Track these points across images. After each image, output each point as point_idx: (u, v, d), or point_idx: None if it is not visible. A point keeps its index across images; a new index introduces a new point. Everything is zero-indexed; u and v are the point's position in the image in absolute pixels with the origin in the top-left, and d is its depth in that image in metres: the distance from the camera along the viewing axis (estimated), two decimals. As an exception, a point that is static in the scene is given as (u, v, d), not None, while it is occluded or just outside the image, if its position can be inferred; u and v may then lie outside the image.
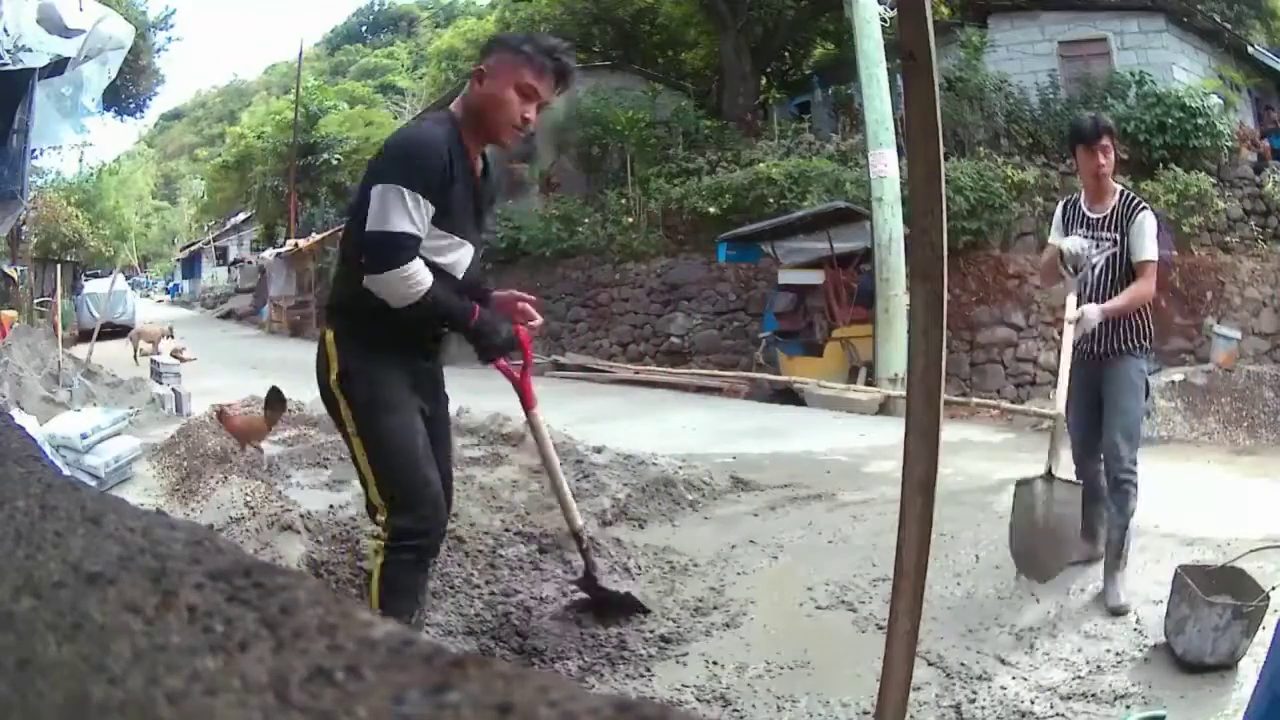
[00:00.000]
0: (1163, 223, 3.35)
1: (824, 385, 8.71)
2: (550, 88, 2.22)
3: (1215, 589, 2.65)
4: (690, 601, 3.06)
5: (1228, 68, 13.21)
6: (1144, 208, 3.27)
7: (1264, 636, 2.34)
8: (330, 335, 2.21)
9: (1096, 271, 3.26)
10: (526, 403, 2.66)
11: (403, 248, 2.07)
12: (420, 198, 2.08)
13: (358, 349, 2.21)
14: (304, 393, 7.38)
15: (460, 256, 2.26)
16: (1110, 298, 3.21)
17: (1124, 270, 3.24)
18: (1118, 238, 3.24)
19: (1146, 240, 3.21)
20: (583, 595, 2.96)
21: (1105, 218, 3.27)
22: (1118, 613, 2.92)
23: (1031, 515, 3.06)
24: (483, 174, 2.32)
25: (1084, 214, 3.34)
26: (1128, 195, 3.32)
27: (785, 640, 2.75)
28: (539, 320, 2.53)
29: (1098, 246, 3.26)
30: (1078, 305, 3.29)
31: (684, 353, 12.28)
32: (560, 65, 2.22)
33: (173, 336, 13.28)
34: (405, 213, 2.06)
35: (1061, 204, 3.50)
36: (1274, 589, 2.71)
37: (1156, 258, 3.25)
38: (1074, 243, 3.32)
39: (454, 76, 21.27)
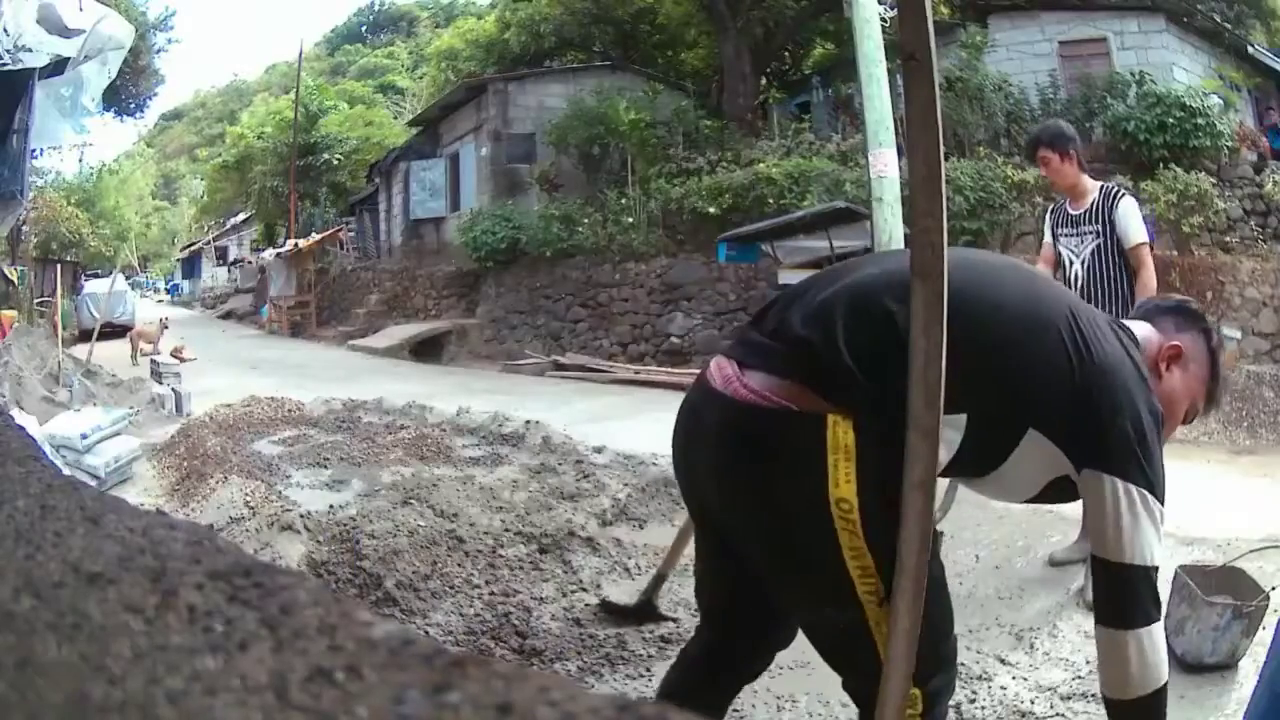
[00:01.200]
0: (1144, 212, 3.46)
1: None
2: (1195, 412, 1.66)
3: (1215, 589, 2.65)
4: (690, 601, 3.06)
5: (1228, 68, 13.21)
6: (1123, 193, 3.34)
7: (1264, 636, 2.34)
8: (847, 426, 1.31)
9: (1085, 268, 3.32)
10: None
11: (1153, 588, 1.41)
12: None
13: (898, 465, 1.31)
14: (304, 392, 7.40)
15: None
16: (1100, 293, 3.26)
17: (1111, 263, 3.30)
18: (1099, 229, 3.30)
19: (1133, 222, 3.26)
20: (609, 606, 2.93)
21: (1086, 212, 3.35)
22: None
23: None
24: None
25: (1067, 214, 3.44)
26: (1107, 188, 3.39)
27: (785, 640, 2.74)
28: None
29: (1082, 243, 3.34)
30: None
31: (684, 353, 12.28)
32: (1215, 396, 1.65)
33: (167, 327, 13.32)
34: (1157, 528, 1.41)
35: (1049, 209, 3.60)
36: (1274, 589, 2.71)
37: (1148, 239, 3.31)
38: None
39: (454, 76, 21.25)
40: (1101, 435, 1.35)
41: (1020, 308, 1.42)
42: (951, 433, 1.36)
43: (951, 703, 2.36)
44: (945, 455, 1.37)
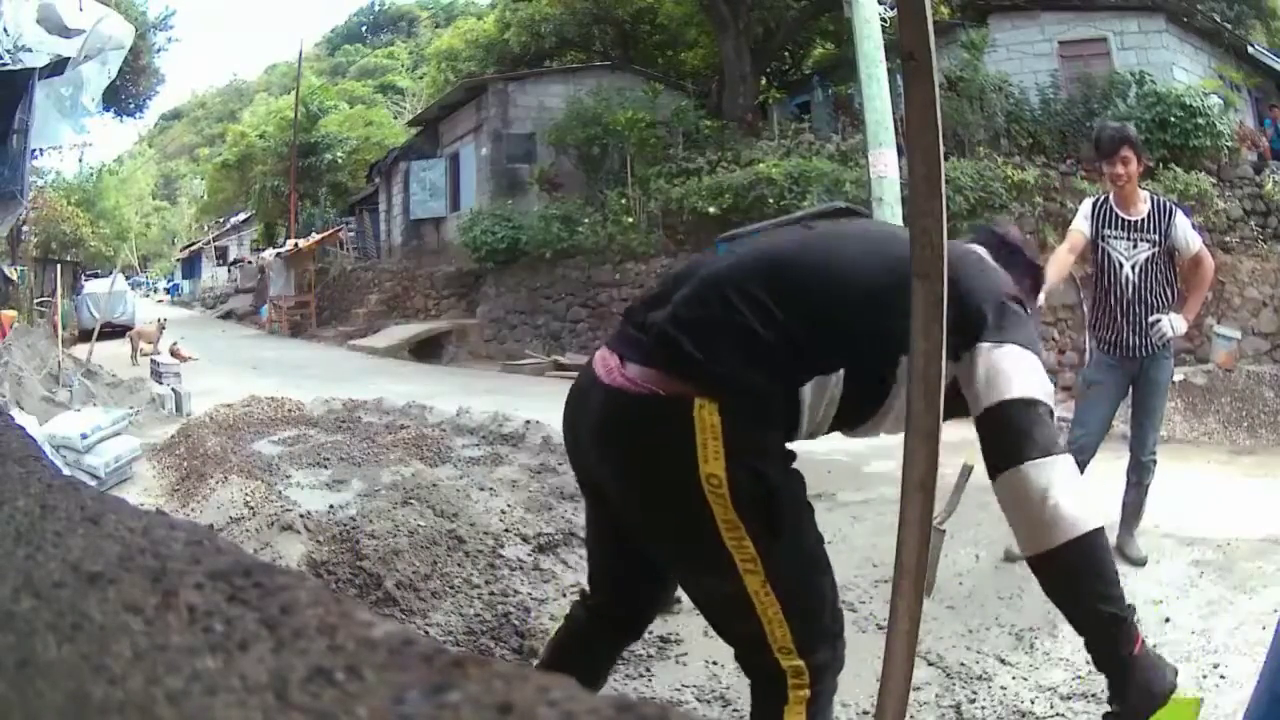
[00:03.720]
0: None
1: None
2: None
3: None
4: (690, 602, 3.06)
5: (1228, 68, 13.21)
6: (1174, 209, 3.59)
7: (1264, 636, 2.34)
8: (713, 408, 1.36)
9: (1137, 271, 3.52)
10: None
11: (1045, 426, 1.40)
12: None
13: (763, 440, 1.42)
14: (304, 392, 7.41)
15: None
16: (1152, 295, 3.52)
17: (1162, 268, 3.52)
18: (1155, 239, 3.51)
19: (1191, 234, 3.56)
20: None
21: (1143, 220, 3.53)
22: (1138, 563, 3.36)
23: None
24: None
25: (1119, 216, 3.58)
26: (1158, 199, 3.61)
27: (785, 640, 2.74)
28: None
29: (1136, 247, 3.53)
30: (1115, 305, 3.57)
31: (684, 353, 12.27)
32: None
33: (164, 328, 13.34)
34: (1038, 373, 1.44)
35: (1092, 201, 3.72)
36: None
37: (1202, 242, 3.62)
38: None
39: (454, 77, 21.25)
40: (962, 320, 1.37)
41: (866, 247, 1.55)
42: (833, 390, 1.43)
43: (951, 703, 2.37)
44: (831, 411, 1.47)
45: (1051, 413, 1.37)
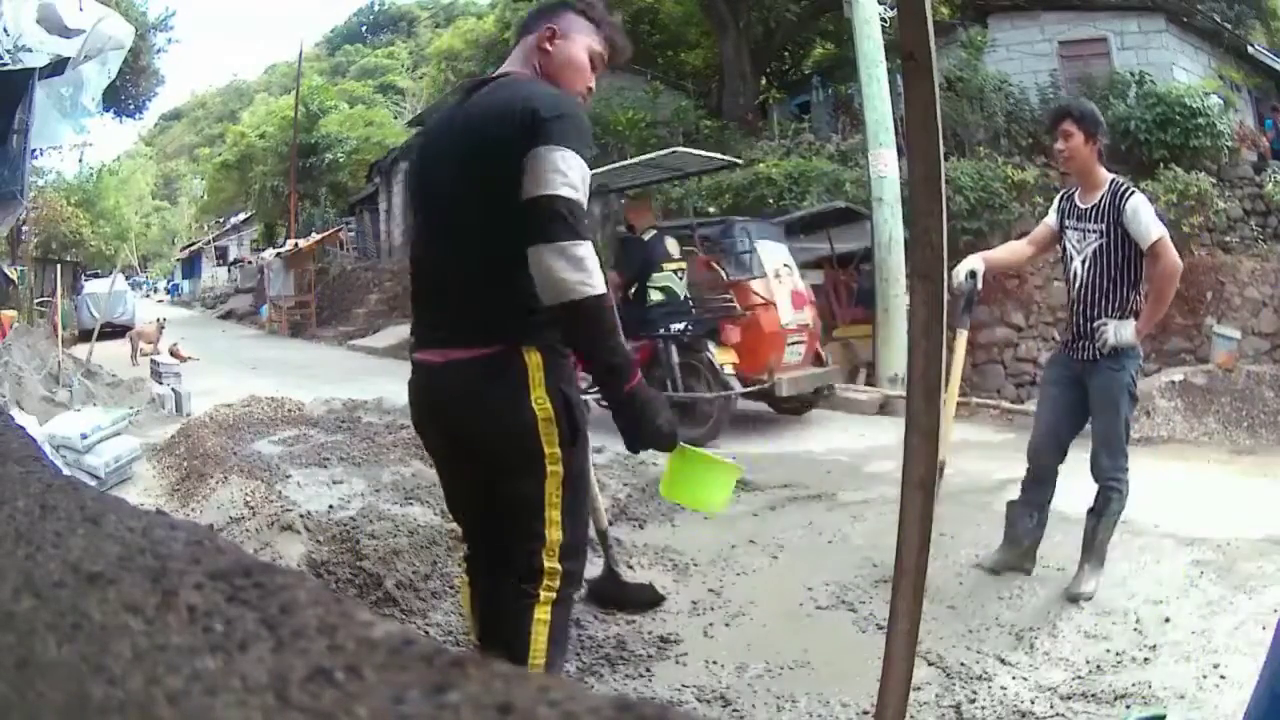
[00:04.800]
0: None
1: (824, 385, 8.69)
2: (605, 61, 2.02)
3: None
4: (690, 602, 3.06)
5: (1228, 68, 13.22)
6: (1132, 192, 3.15)
7: (1264, 636, 2.34)
8: (535, 355, 1.77)
9: (1085, 265, 3.17)
10: None
11: (582, 221, 1.70)
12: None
13: (567, 370, 1.84)
14: (304, 392, 7.41)
15: None
16: (1101, 294, 3.13)
17: (1117, 262, 3.13)
18: (1103, 229, 3.13)
19: (1145, 218, 3.07)
20: (599, 594, 3.01)
21: (1093, 208, 3.17)
22: (1074, 598, 2.98)
23: None
24: None
25: (1075, 205, 3.25)
26: (1116, 183, 3.19)
27: (785, 640, 2.75)
28: None
29: (1085, 239, 3.18)
30: (1070, 303, 3.26)
31: (684, 353, 12.27)
32: (618, 40, 2.02)
33: (164, 328, 13.35)
34: (582, 185, 1.72)
35: (1060, 195, 3.43)
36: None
37: (1165, 232, 3.11)
38: (960, 268, 3.26)
39: (454, 77, 21.25)
40: (530, 124, 1.70)
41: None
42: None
43: (951, 703, 2.37)
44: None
45: (582, 207, 1.70)
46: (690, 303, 6.26)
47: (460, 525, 2.15)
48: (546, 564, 1.81)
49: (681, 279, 6.34)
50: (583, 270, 1.66)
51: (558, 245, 1.64)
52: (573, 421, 1.81)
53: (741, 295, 6.36)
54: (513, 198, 1.69)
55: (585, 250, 1.67)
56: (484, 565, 2.01)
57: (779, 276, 6.67)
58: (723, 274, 6.54)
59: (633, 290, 6.26)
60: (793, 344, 6.61)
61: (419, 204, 1.97)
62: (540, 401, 1.77)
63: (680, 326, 6.06)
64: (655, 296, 6.20)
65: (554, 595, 1.82)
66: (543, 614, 1.81)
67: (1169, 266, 3.06)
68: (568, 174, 1.68)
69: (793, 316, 6.57)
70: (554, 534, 1.81)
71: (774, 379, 6.20)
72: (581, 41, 1.97)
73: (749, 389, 6.21)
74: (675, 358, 6.02)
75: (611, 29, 2.03)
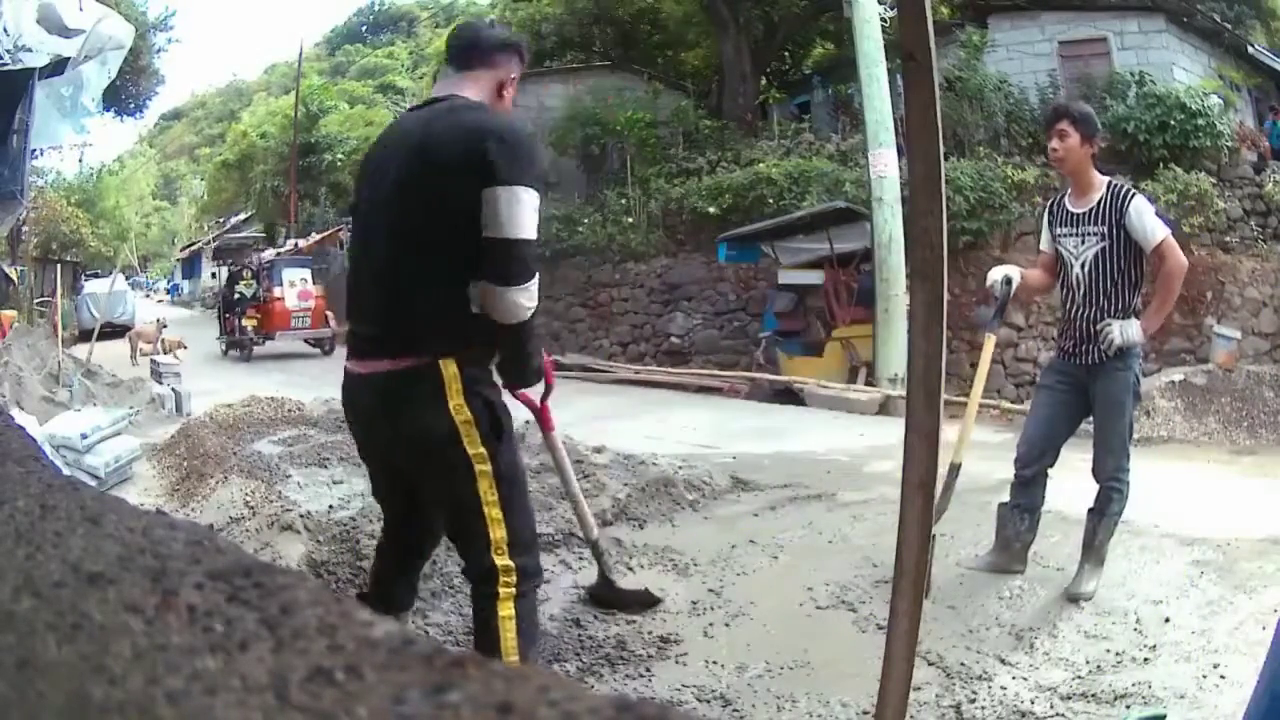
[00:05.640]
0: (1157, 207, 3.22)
1: (824, 385, 8.71)
2: None
3: None
4: (690, 602, 3.07)
5: (1228, 68, 13.21)
6: (1133, 193, 3.10)
7: (1264, 636, 2.34)
8: (451, 365, 1.90)
9: (1086, 270, 3.12)
10: (546, 426, 2.77)
11: (534, 257, 1.95)
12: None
13: (486, 376, 2.00)
14: (303, 392, 7.40)
15: None
16: (1105, 297, 3.10)
17: (1119, 265, 3.08)
18: (1105, 231, 3.07)
19: (1149, 221, 3.03)
20: (596, 599, 3.03)
21: (1091, 211, 3.11)
22: (1074, 598, 2.98)
23: None
24: None
25: (1067, 210, 3.19)
26: (1115, 185, 3.13)
27: (785, 640, 2.75)
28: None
29: (1084, 243, 3.13)
30: (1069, 308, 3.21)
31: (684, 353, 12.28)
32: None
33: (165, 327, 13.40)
34: (535, 220, 1.91)
35: (1048, 204, 3.37)
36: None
37: (1169, 232, 3.07)
38: (996, 273, 3.29)
39: (454, 76, 21.24)
40: (484, 163, 1.84)
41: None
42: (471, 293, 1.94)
43: (951, 703, 2.37)
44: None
45: (534, 243, 1.93)
46: (253, 297, 14.59)
47: (384, 513, 2.36)
48: (498, 562, 1.93)
49: (253, 285, 14.79)
50: (532, 300, 1.92)
51: (522, 288, 1.88)
52: (494, 420, 1.95)
53: (269, 294, 14.49)
54: (455, 223, 1.87)
55: (536, 283, 1.93)
56: (391, 554, 2.28)
57: (293, 285, 14.73)
58: (263, 284, 14.85)
59: (235, 288, 14.87)
60: (298, 317, 14.53)
61: (365, 208, 2.08)
62: (459, 409, 1.90)
63: (243, 305, 14.44)
64: (243, 291, 14.68)
65: (513, 591, 1.93)
66: (506, 610, 1.93)
67: (1175, 267, 3.04)
68: (528, 216, 1.87)
69: (296, 304, 14.55)
70: (497, 532, 1.93)
71: (278, 334, 14.27)
72: (516, 82, 2.23)
73: (267, 338, 14.27)
74: (239, 320, 14.29)
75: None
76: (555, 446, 2.84)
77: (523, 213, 1.86)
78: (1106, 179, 3.18)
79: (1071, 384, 3.21)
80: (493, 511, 1.93)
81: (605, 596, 3.02)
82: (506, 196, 1.83)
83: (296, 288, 14.52)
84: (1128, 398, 3.12)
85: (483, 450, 1.91)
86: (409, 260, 1.92)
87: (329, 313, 14.52)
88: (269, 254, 18.23)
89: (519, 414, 2.69)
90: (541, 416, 2.74)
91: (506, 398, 2.07)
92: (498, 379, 2.04)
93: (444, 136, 1.91)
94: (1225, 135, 10.89)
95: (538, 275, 1.94)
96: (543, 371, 2.23)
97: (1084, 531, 3.13)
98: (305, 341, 14.44)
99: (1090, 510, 3.15)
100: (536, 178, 1.92)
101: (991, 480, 4.59)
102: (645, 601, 3.00)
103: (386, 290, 1.96)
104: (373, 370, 1.98)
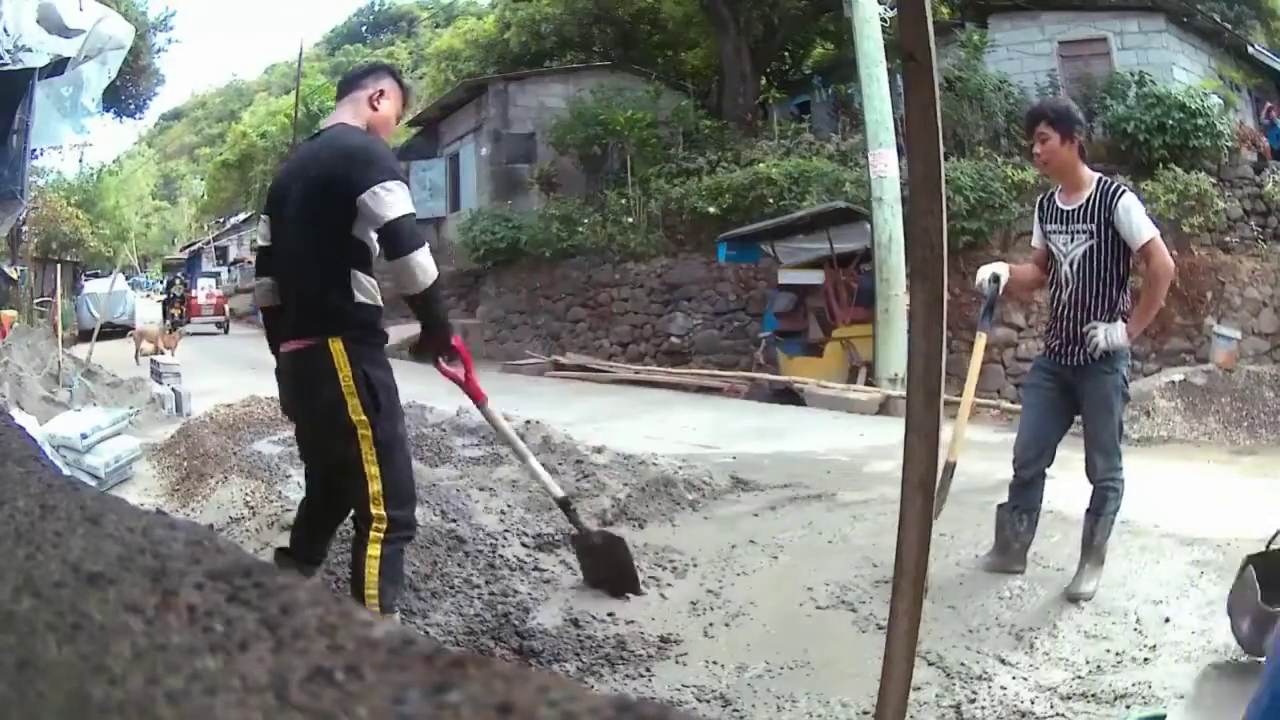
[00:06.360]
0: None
1: (824, 385, 8.71)
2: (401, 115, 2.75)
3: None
4: (690, 602, 3.07)
5: (1228, 68, 13.21)
6: (1123, 190, 3.06)
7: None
8: (337, 343, 2.32)
9: (1074, 268, 3.10)
10: (479, 398, 2.93)
11: (415, 230, 2.34)
12: None
13: (369, 354, 2.38)
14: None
15: None
16: (1093, 297, 3.08)
17: (1108, 264, 3.06)
18: (1093, 229, 3.04)
19: (1137, 219, 3.01)
20: (578, 550, 3.23)
21: (1080, 209, 3.08)
22: (1074, 598, 2.97)
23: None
24: None
25: (1057, 208, 3.16)
26: (1105, 183, 3.09)
27: (785, 640, 2.75)
28: None
29: (1072, 241, 3.10)
30: (1056, 307, 3.18)
31: (684, 353, 12.28)
32: (410, 98, 2.75)
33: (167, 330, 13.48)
34: (405, 197, 2.31)
35: (1038, 201, 3.34)
36: None
37: (1157, 232, 3.06)
38: (984, 271, 3.30)
39: (454, 77, 21.25)
40: (348, 177, 2.29)
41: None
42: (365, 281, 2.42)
43: (951, 703, 2.37)
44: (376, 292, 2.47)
45: (409, 217, 2.33)
46: (178, 297, 20.80)
47: (306, 473, 2.83)
48: (374, 510, 2.35)
49: (181, 289, 21.30)
50: (429, 260, 2.31)
51: (421, 251, 2.28)
52: (373, 393, 2.33)
53: (190, 296, 22.21)
54: (334, 228, 2.31)
55: (426, 248, 2.32)
56: (309, 511, 2.69)
57: (204, 289, 23.98)
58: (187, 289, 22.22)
59: (171, 291, 21.28)
60: (206, 310, 22.44)
61: (275, 222, 2.52)
62: (346, 381, 2.31)
63: (174, 301, 20.63)
64: (176, 292, 20.96)
65: (382, 535, 2.34)
66: (374, 550, 2.33)
67: (1160, 268, 3.02)
68: (396, 198, 2.27)
69: (205, 302, 22.78)
70: (374, 486, 2.35)
71: (193, 319, 21.32)
72: (394, 100, 2.60)
73: (188, 321, 20.44)
74: (173, 309, 20.14)
75: (408, 91, 2.70)
76: (492, 416, 2.99)
77: (389, 199, 2.26)
78: (1097, 176, 3.15)
79: (1058, 383, 3.20)
80: (371, 469, 2.33)
81: (582, 544, 3.20)
82: (372, 196, 2.25)
83: (206, 290, 23.66)
84: (1116, 399, 3.12)
85: (364, 418, 2.31)
86: (307, 262, 2.38)
87: (228, 307, 22.87)
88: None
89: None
90: (469, 389, 2.88)
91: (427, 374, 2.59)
92: (402, 359, 2.39)
93: (325, 163, 2.36)
94: (1225, 135, 10.88)
95: (427, 243, 2.35)
96: (451, 342, 2.62)
97: (1082, 532, 3.14)
98: (214, 325, 21.63)
99: (1087, 511, 3.15)
100: (392, 171, 2.33)
101: (991, 480, 4.59)
102: (627, 574, 3.11)
103: (293, 286, 2.45)
104: (290, 349, 2.44)
